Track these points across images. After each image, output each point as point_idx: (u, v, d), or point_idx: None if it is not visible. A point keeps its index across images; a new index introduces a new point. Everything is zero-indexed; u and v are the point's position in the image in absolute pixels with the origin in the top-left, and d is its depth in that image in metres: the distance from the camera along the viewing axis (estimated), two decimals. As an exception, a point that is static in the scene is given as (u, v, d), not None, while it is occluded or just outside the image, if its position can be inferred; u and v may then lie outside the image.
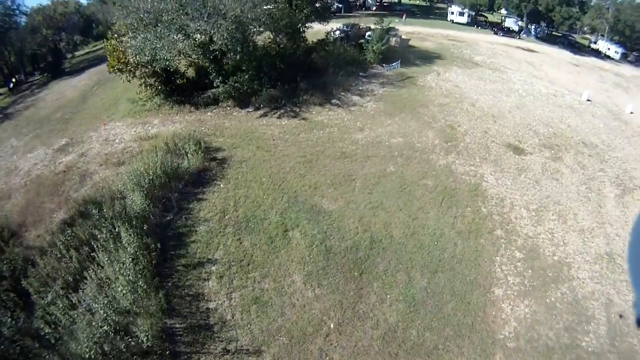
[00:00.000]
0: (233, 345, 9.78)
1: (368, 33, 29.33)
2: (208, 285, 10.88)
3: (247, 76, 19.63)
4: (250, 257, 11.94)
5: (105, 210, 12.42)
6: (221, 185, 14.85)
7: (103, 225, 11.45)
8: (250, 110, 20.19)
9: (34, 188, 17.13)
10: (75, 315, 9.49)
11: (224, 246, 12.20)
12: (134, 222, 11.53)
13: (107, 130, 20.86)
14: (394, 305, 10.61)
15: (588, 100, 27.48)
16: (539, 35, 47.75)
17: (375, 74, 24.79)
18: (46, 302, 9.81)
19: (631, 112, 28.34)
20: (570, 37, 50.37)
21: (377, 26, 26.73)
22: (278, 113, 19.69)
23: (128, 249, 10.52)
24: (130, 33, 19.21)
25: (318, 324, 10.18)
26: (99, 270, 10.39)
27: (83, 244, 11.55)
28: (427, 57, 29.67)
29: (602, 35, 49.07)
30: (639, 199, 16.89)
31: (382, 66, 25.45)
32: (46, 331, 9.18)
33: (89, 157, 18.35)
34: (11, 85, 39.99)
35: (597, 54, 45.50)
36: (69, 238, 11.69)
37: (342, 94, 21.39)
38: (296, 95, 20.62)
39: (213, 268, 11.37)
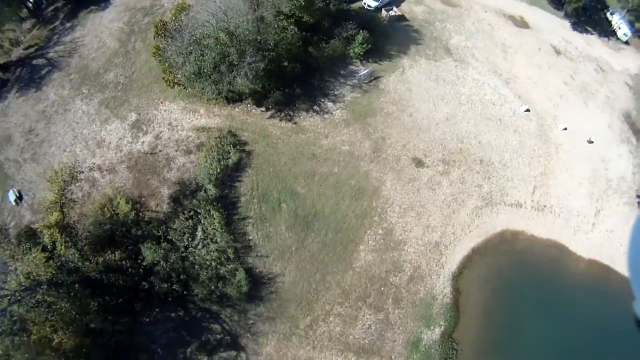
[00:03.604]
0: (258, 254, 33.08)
1: (367, 1, 42.02)
2: (249, 229, 33.37)
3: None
4: (263, 215, 34.09)
5: (196, 192, 33.51)
6: (249, 172, 35.46)
7: (201, 202, 32.82)
8: (263, 109, 38.41)
9: (134, 166, 36.81)
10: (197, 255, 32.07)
11: (253, 209, 34.21)
12: (213, 202, 32.96)
13: (166, 111, 39.09)
14: (314, 242, 33.70)
15: (527, 110, 43.07)
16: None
17: (352, 71, 40.95)
18: (183, 245, 32.13)
19: (564, 129, 44.04)
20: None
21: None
22: (280, 116, 38.37)
23: (216, 216, 32.32)
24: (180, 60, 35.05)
25: (288, 247, 33.17)
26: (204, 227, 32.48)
27: (190, 210, 33.08)
28: (405, 40, 44.46)
29: (623, 9, 55.58)
30: (496, 212, 37.43)
31: (361, 61, 40.71)
32: (185, 264, 31.87)
33: (164, 140, 37.90)
34: (29, 4, 51.27)
35: (609, 25, 54.34)
36: (182, 208, 33.14)
37: (322, 100, 39.33)
38: (293, 101, 38.13)
39: (250, 220, 33.63)
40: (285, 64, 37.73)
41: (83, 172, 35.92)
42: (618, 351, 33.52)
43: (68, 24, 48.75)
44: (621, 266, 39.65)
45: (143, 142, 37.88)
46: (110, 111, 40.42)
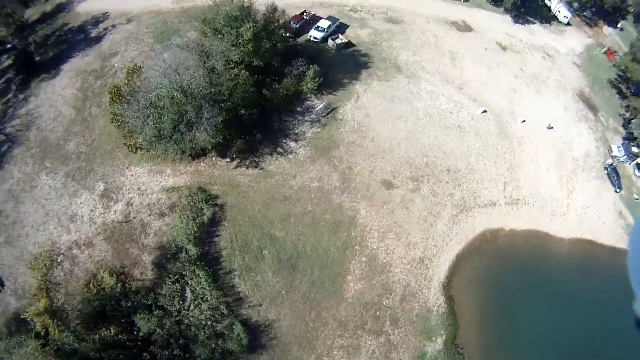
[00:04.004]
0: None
1: (313, 34, 43.83)
2: (236, 282, 34.32)
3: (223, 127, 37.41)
4: (248, 265, 35.15)
5: (178, 255, 34.36)
6: (226, 225, 36.47)
7: (184, 264, 33.68)
8: (228, 160, 39.54)
9: (111, 237, 37.56)
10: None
11: (237, 262, 35.27)
12: (197, 261, 33.85)
13: (133, 176, 39.89)
14: (303, 282, 34.94)
15: (484, 112, 45.63)
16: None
17: (308, 107, 42.58)
18: (175, 310, 32.94)
19: (523, 121, 46.90)
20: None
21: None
22: (246, 163, 39.59)
23: (202, 275, 33.24)
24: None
25: (278, 292, 34.34)
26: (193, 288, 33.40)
27: (175, 274, 33.92)
28: (355, 67, 46.50)
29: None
30: (472, 216, 39.48)
31: (316, 95, 42.36)
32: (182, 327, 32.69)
33: (136, 207, 38.68)
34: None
35: (548, 10, 57.76)
36: (166, 273, 33.97)
37: (284, 141, 40.80)
38: (256, 147, 39.41)
39: (236, 273, 34.68)
40: (243, 112, 39.07)
41: (62, 253, 36.33)
42: (618, 324, 35.80)
43: (22, 96, 49.14)
44: (603, 238, 42.43)
45: (116, 212, 38.59)
46: (77, 183, 40.94)
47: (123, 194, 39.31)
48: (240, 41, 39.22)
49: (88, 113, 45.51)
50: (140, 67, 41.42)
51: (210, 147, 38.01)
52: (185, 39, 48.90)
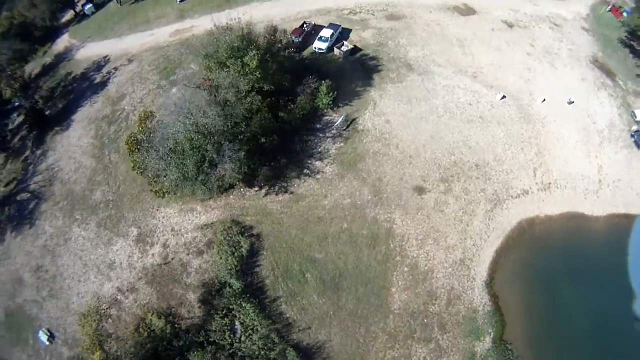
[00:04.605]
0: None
1: (317, 45, 44.37)
2: (283, 308, 35.55)
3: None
4: (292, 291, 36.34)
5: (222, 290, 35.64)
6: (264, 254, 37.64)
7: (229, 298, 34.96)
8: (257, 189, 40.58)
9: (153, 279, 39.03)
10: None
11: (281, 288, 36.54)
12: (241, 294, 35.11)
13: (164, 217, 41.17)
14: (349, 300, 36.19)
15: (503, 97, 45.80)
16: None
17: (327, 122, 43.18)
18: (227, 343, 34.32)
19: (543, 100, 46.74)
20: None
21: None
22: (275, 190, 40.64)
23: (248, 307, 34.51)
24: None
25: (326, 312, 35.41)
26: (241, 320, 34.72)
27: (222, 309, 35.21)
28: (366, 72, 47.02)
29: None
30: (506, 208, 40.05)
31: (333, 109, 42.96)
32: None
33: (172, 247, 40.02)
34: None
35: None
36: (213, 309, 35.24)
37: (309, 161, 41.71)
38: (281, 172, 40.36)
39: (282, 299, 35.88)
40: (263, 140, 39.96)
41: (106, 303, 38.03)
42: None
43: (39, 151, 50.89)
44: (638, 208, 42.60)
45: (153, 254, 39.94)
46: (110, 231, 42.37)
47: (157, 236, 40.67)
48: (246, 70, 40.01)
49: (108, 160, 46.95)
50: (151, 112, 42.46)
51: (237, 181, 39.13)
52: (190, 71, 50.18)
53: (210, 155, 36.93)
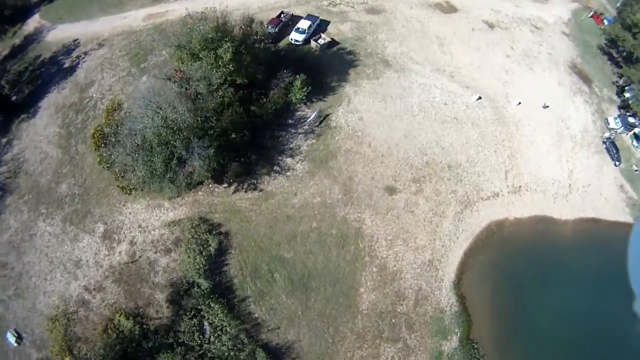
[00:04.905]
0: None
1: (294, 37, 43.88)
2: (252, 308, 35.66)
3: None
4: (261, 290, 36.41)
5: (190, 289, 35.42)
6: (233, 252, 37.45)
7: (198, 298, 34.78)
8: (225, 186, 40.09)
9: (120, 278, 38.30)
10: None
11: (249, 288, 36.50)
12: (210, 294, 34.96)
13: (131, 214, 40.37)
14: (317, 300, 36.52)
15: (479, 98, 45.95)
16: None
17: (300, 118, 42.70)
18: (197, 344, 34.33)
19: (519, 103, 47.19)
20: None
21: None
22: (244, 186, 40.25)
23: (217, 307, 34.42)
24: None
25: (294, 312, 35.69)
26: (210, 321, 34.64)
27: (191, 309, 35.02)
28: (342, 67, 46.48)
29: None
30: (476, 210, 40.54)
31: (306, 104, 42.48)
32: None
33: (139, 245, 39.37)
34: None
35: None
36: (182, 309, 35.02)
37: (280, 158, 41.38)
38: (251, 169, 39.92)
39: (250, 299, 36.00)
40: (233, 135, 39.34)
41: (74, 305, 37.23)
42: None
43: (4, 140, 48.77)
44: (606, 213, 43.80)
45: (120, 252, 39.22)
46: (76, 227, 41.32)
47: (124, 233, 39.87)
48: (220, 62, 39.04)
49: (74, 151, 45.48)
50: (119, 103, 41.14)
51: (206, 179, 38.64)
52: (162, 58, 48.69)
53: (178, 151, 36.13)
